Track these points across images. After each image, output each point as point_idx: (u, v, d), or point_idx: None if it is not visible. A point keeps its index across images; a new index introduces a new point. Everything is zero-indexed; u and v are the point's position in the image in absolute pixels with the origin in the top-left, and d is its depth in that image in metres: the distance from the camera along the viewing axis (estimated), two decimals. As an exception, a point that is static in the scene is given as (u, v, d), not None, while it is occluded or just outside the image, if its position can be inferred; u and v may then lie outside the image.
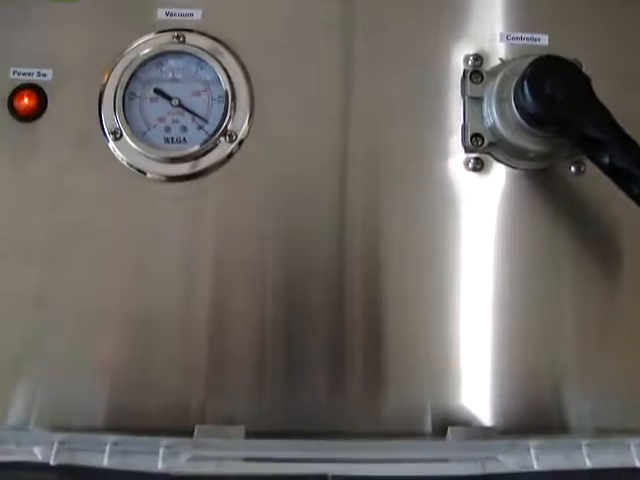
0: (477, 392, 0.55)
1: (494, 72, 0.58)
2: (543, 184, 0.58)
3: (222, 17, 0.60)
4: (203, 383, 0.55)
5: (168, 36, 0.59)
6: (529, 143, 0.56)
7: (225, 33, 0.59)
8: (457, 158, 0.58)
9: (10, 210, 0.57)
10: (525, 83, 0.53)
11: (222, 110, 0.58)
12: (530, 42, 0.60)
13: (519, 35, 0.60)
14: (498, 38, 0.60)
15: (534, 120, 0.54)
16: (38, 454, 0.54)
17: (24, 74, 0.59)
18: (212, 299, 0.56)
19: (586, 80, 0.54)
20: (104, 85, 0.58)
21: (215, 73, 0.58)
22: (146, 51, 0.59)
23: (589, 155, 0.54)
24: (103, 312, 0.56)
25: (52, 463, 0.53)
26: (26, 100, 0.58)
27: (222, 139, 0.58)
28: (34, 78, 0.59)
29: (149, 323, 0.56)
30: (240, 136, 0.58)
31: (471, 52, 0.60)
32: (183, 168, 0.57)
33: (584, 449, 0.55)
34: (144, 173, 0.57)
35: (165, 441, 0.54)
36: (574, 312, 0.57)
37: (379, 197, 0.58)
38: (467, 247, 0.57)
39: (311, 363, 0.55)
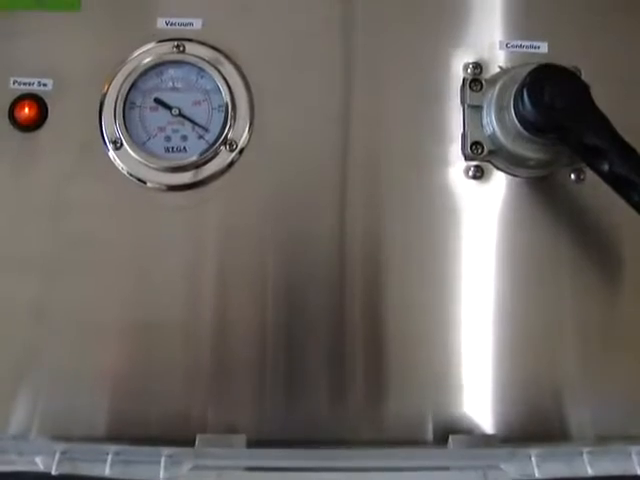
0: (478, 400, 0.55)
1: (493, 80, 0.58)
2: (543, 192, 0.58)
3: (222, 26, 0.60)
4: (204, 392, 0.55)
5: (168, 46, 0.59)
6: (529, 151, 0.56)
7: (225, 42, 0.59)
8: (457, 166, 0.58)
9: (11, 220, 0.57)
10: (525, 91, 0.53)
11: (222, 119, 0.58)
12: (529, 50, 0.60)
13: (518, 43, 0.60)
14: (497, 46, 0.60)
15: (534, 128, 0.54)
16: (40, 464, 0.54)
17: (24, 84, 0.59)
18: (213, 308, 0.56)
19: (585, 88, 0.53)
20: (104, 95, 0.58)
21: (215, 82, 0.58)
22: (146, 61, 0.59)
23: (589, 163, 0.54)
24: (104, 321, 0.56)
25: (54, 473, 0.53)
26: (26, 110, 0.58)
27: (222, 148, 0.58)
28: (34, 88, 0.59)
29: (150, 332, 0.56)
30: (240, 145, 0.58)
31: (470, 60, 0.60)
32: (184, 177, 0.57)
33: (585, 457, 0.55)
34: (145, 182, 0.57)
35: (167, 450, 0.54)
36: (575, 319, 0.57)
37: (379, 205, 0.58)
38: (468, 254, 0.57)
39: (312, 371, 0.55)
